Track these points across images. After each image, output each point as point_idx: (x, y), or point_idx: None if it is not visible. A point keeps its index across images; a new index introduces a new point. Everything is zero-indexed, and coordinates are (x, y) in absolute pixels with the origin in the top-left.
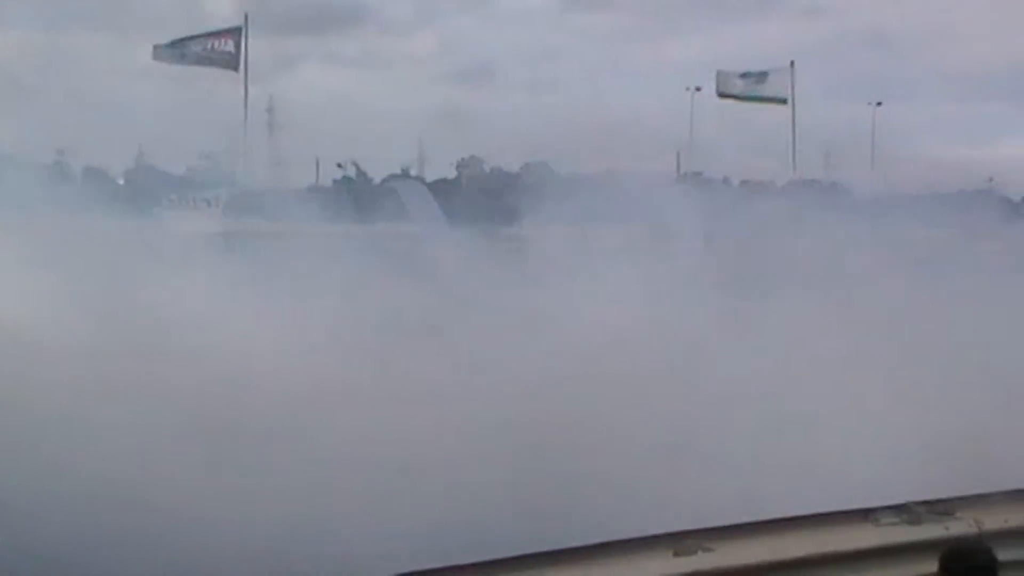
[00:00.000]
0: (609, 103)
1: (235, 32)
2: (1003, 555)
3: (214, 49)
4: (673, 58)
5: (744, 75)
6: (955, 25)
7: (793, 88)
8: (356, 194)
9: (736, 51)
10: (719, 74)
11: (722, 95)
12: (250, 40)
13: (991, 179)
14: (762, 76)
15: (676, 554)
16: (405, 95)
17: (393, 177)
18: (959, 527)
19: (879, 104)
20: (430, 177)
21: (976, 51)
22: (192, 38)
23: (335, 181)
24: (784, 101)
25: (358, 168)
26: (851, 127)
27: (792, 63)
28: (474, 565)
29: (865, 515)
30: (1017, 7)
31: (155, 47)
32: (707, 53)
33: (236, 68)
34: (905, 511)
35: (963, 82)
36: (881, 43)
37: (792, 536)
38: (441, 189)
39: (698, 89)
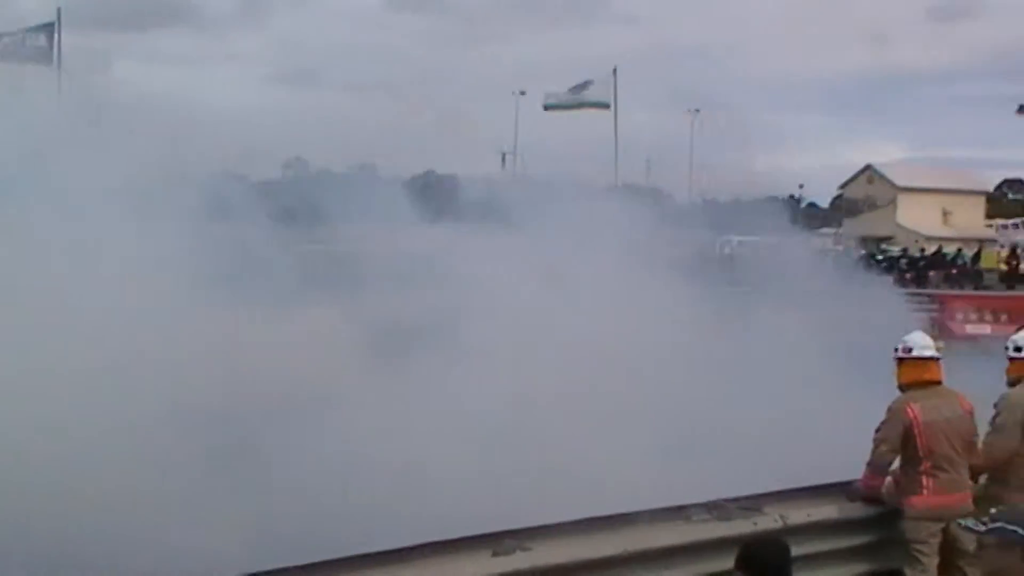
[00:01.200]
0: (435, 105)
1: (48, 27)
2: (806, 548)
3: (25, 44)
4: (499, 61)
5: (572, 88)
6: (766, 37)
7: (616, 94)
8: (176, 194)
9: (559, 57)
10: (547, 93)
11: (548, 107)
12: (65, 36)
13: (801, 186)
14: (586, 83)
15: (495, 554)
16: (229, 94)
17: (216, 177)
18: (766, 522)
19: (697, 111)
20: (254, 178)
21: (787, 63)
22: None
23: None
24: (607, 106)
25: (179, 167)
26: (671, 134)
27: (615, 70)
28: (299, 567)
29: (679, 511)
30: (824, 23)
31: None
32: (532, 58)
33: (49, 63)
34: (716, 508)
35: (774, 92)
36: (697, 53)
37: (608, 534)
38: (265, 190)
39: (523, 93)
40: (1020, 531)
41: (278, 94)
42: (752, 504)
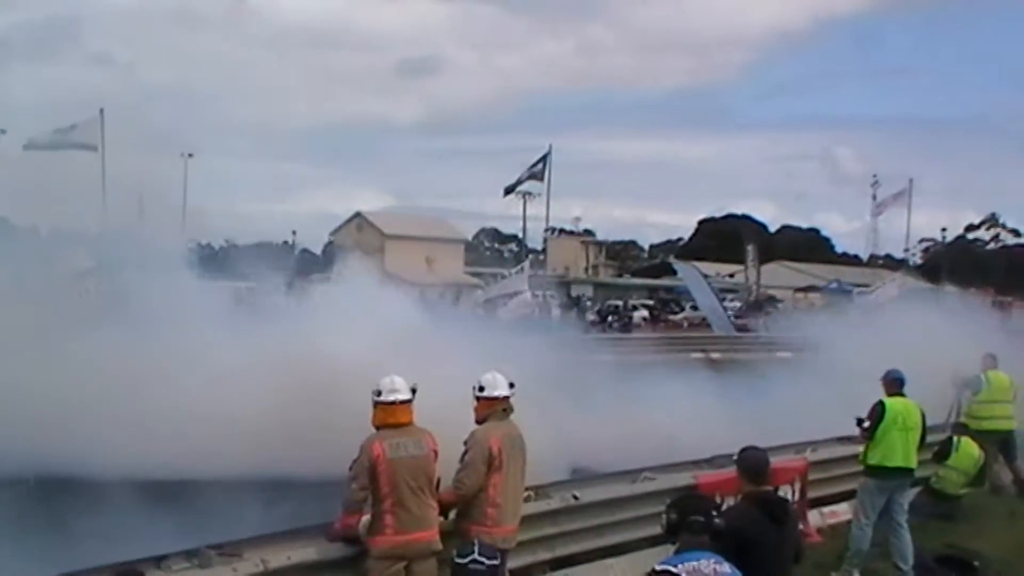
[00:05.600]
0: None
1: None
2: None
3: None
4: None
5: (56, 130)
6: (244, 86)
7: (103, 136)
8: None
9: (29, 96)
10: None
11: (28, 147)
12: None
13: (295, 232)
14: (72, 127)
15: None
16: None
17: None
18: (247, 567)
19: (191, 156)
20: None
21: (267, 112)
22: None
23: None
24: (94, 148)
25: None
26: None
27: (102, 111)
28: None
29: (158, 562)
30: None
31: None
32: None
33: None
34: (196, 555)
35: (263, 140)
36: (179, 97)
37: None
38: None
39: (3, 132)
40: (486, 562)
41: None
42: (233, 550)
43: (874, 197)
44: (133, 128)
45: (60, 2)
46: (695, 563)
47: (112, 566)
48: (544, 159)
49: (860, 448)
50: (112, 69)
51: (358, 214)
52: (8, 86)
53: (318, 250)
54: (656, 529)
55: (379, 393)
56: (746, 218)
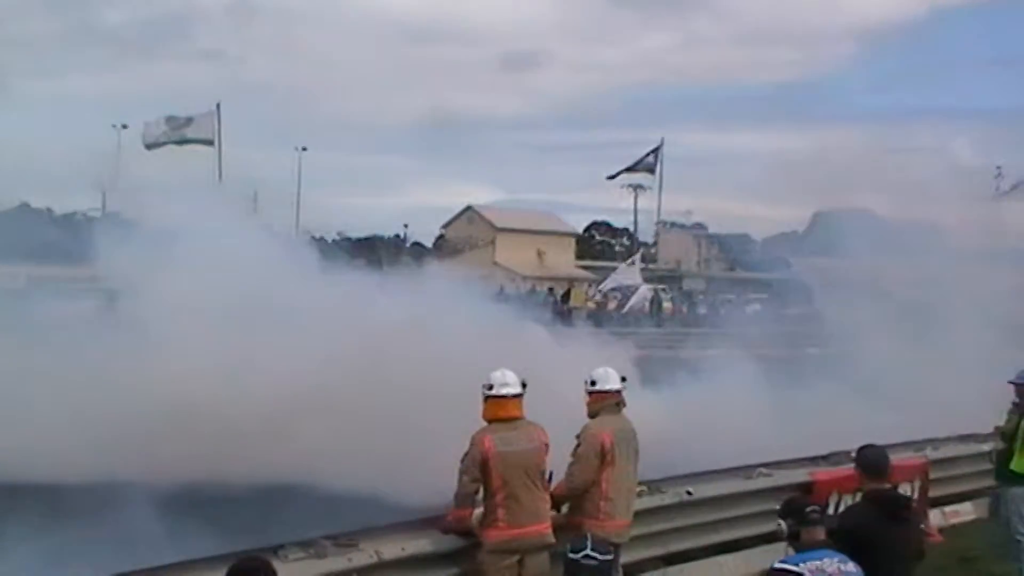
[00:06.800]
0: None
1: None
2: None
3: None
4: (83, 93)
5: (169, 119)
6: (349, 81)
7: (219, 131)
8: None
9: (149, 91)
10: (145, 124)
11: (149, 145)
12: None
13: (406, 226)
14: (187, 120)
15: None
16: None
17: None
18: (361, 558)
19: (304, 149)
20: None
21: (379, 105)
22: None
23: None
24: (210, 143)
25: None
26: (277, 171)
27: (218, 105)
28: None
29: (275, 551)
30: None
31: None
32: (122, 90)
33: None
34: (311, 545)
35: (369, 134)
36: (289, 92)
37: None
38: None
39: (125, 127)
40: (599, 557)
41: None
42: (349, 540)
43: (997, 188)
44: (247, 122)
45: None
46: (818, 562)
47: (234, 554)
48: (655, 152)
49: (984, 447)
50: (223, 65)
51: (469, 207)
52: (126, 82)
53: (429, 243)
54: (770, 526)
55: (490, 387)
56: (862, 211)
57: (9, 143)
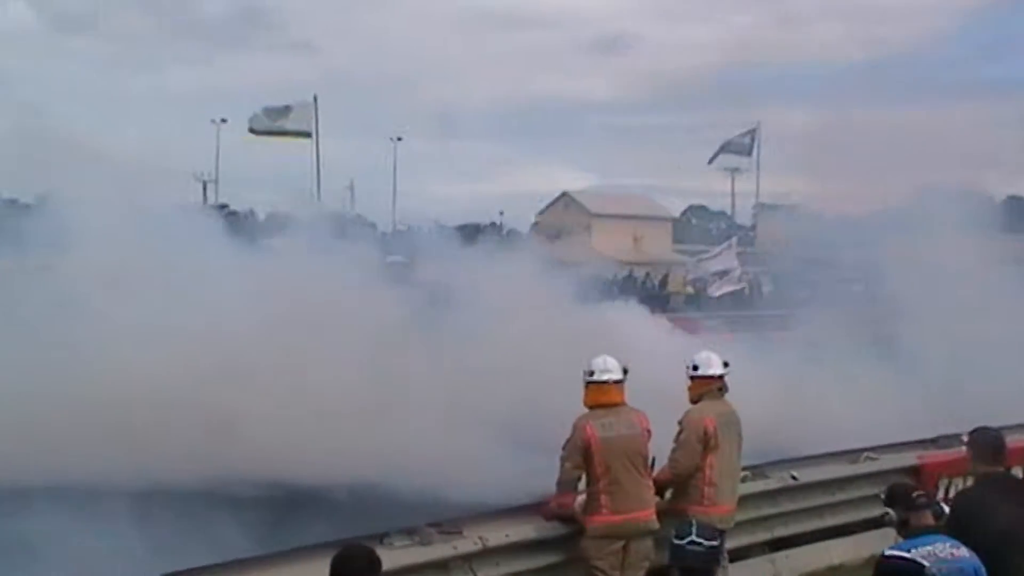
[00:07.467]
0: (115, 130)
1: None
2: (504, 568)
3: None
4: (177, 87)
5: (267, 110)
6: (440, 69)
7: (317, 122)
8: None
9: (243, 83)
10: (253, 115)
11: (248, 136)
12: None
13: (502, 213)
14: (285, 110)
15: None
16: None
17: None
18: (465, 545)
19: (399, 139)
20: None
21: (465, 93)
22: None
23: None
24: (308, 135)
25: None
26: (372, 161)
27: (315, 97)
28: None
29: (380, 539)
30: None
31: None
32: (212, 83)
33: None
34: (416, 533)
35: (460, 121)
36: (380, 82)
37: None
38: None
39: (224, 121)
40: (705, 543)
41: None
42: (452, 527)
43: None
44: (341, 113)
45: None
46: (930, 547)
47: (339, 542)
48: (752, 133)
49: None
50: (315, 55)
51: (564, 194)
52: (220, 75)
53: (525, 230)
54: (877, 511)
55: (591, 373)
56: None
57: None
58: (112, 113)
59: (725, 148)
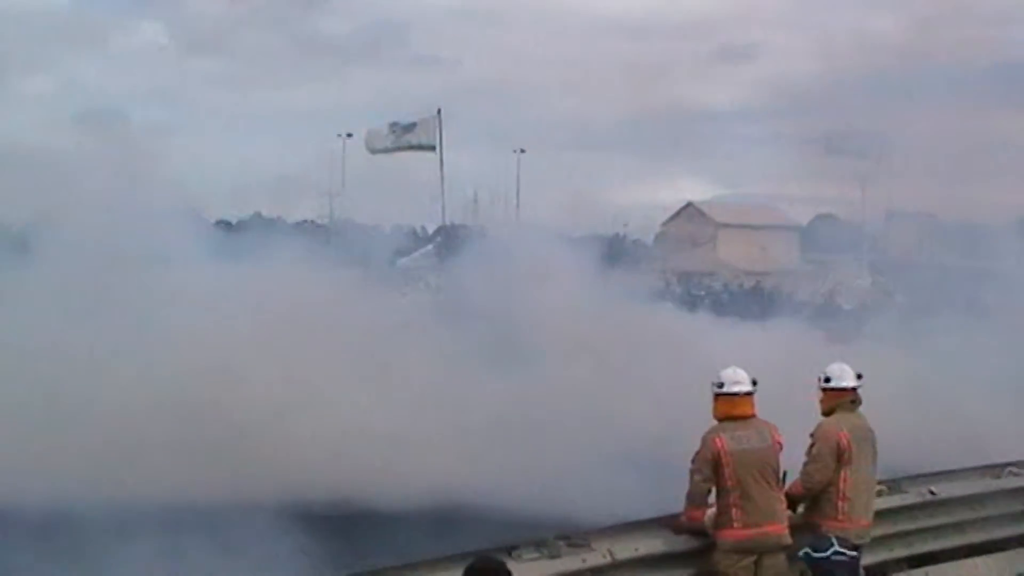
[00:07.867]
0: (245, 148)
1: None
2: None
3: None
4: (302, 104)
5: (392, 125)
6: (562, 79)
7: (441, 135)
8: None
9: (366, 99)
10: (369, 132)
11: (373, 150)
12: None
13: (626, 224)
14: (410, 126)
15: None
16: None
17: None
18: (594, 558)
19: (523, 151)
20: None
21: (593, 103)
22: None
23: None
24: (433, 148)
25: None
26: (496, 173)
27: (439, 111)
28: None
29: (509, 552)
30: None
31: None
32: (337, 99)
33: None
34: (545, 545)
35: (585, 132)
36: (503, 94)
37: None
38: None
39: (349, 135)
40: (848, 553)
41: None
42: (581, 540)
43: None
44: (467, 126)
45: (386, 6)
46: None
47: (470, 554)
48: (878, 140)
49: None
50: (440, 69)
51: (689, 204)
52: (346, 90)
53: (649, 240)
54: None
55: (721, 385)
56: None
57: (245, 154)
58: (244, 130)
59: (850, 156)
